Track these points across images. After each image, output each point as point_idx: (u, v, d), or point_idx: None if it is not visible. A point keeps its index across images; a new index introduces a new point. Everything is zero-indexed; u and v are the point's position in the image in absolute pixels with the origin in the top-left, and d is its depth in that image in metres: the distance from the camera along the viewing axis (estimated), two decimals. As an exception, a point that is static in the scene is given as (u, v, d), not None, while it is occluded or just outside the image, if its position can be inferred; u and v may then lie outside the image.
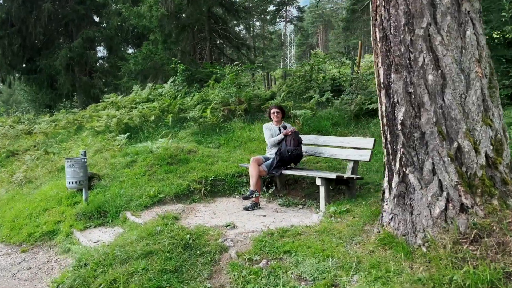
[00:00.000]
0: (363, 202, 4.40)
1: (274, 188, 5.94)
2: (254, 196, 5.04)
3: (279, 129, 5.62)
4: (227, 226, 4.37)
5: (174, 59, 12.35)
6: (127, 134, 8.04)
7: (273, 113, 5.71)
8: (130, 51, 24.22)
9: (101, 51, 25.53)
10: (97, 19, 22.48)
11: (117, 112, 9.67)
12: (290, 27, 56.56)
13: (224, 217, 4.87)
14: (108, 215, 5.31)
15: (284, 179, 6.02)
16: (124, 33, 22.80)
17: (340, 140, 5.14)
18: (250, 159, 5.30)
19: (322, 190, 4.59)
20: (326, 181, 4.57)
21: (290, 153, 5.24)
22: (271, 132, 5.71)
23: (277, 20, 49.36)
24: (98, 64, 22.92)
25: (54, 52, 19.86)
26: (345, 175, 4.54)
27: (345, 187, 4.84)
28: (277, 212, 5.05)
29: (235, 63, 10.71)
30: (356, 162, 4.84)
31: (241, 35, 26.18)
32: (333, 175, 4.41)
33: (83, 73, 20.81)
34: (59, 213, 5.63)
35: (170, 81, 12.01)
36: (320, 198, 4.64)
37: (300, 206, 5.19)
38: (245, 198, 5.03)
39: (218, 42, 19.40)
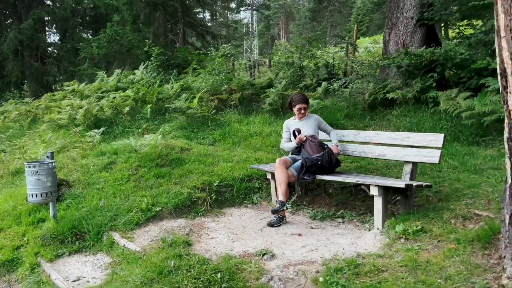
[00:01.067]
0: (436, 217, 3.40)
1: (295, 195, 4.85)
2: (285, 208, 3.93)
3: (293, 133, 4.43)
4: (263, 255, 3.24)
5: (148, 41, 10.82)
6: (102, 128, 6.59)
7: (299, 109, 4.46)
8: (85, 35, 21.97)
9: (54, 34, 23.03)
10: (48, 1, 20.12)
11: (84, 102, 8.11)
12: (256, 15, 55.18)
13: (248, 238, 3.73)
14: (87, 237, 4.01)
15: (305, 183, 4.93)
16: (80, 15, 20.60)
17: (390, 136, 4.09)
18: (276, 160, 4.16)
19: (378, 202, 3.55)
20: (384, 190, 3.53)
21: (320, 162, 4.05)
22: (289, 132, 4.55)
23: (243, 8, 47.84)
24: (51, 48, 20.58)
25: (1, 35, 17.50)
26: (414, 183, 3.52)
27: (402, 197, 3.81)
28: (312, 228, 3.97)
29: (223, 45, 9.44)
30: (415, 165, 3.83)
31: (204, 23, 24.70)
32: (400, 183, 3.37)
33: (34, 59, 18.51)
34: (18, 236, 4.23)
35: (142, 66, 10.49)
36: (375, 212, 3.60)
37: (340, 220, 4.12)
38: (274, 212, 3.90)
39: (182, 29, 17.93)
